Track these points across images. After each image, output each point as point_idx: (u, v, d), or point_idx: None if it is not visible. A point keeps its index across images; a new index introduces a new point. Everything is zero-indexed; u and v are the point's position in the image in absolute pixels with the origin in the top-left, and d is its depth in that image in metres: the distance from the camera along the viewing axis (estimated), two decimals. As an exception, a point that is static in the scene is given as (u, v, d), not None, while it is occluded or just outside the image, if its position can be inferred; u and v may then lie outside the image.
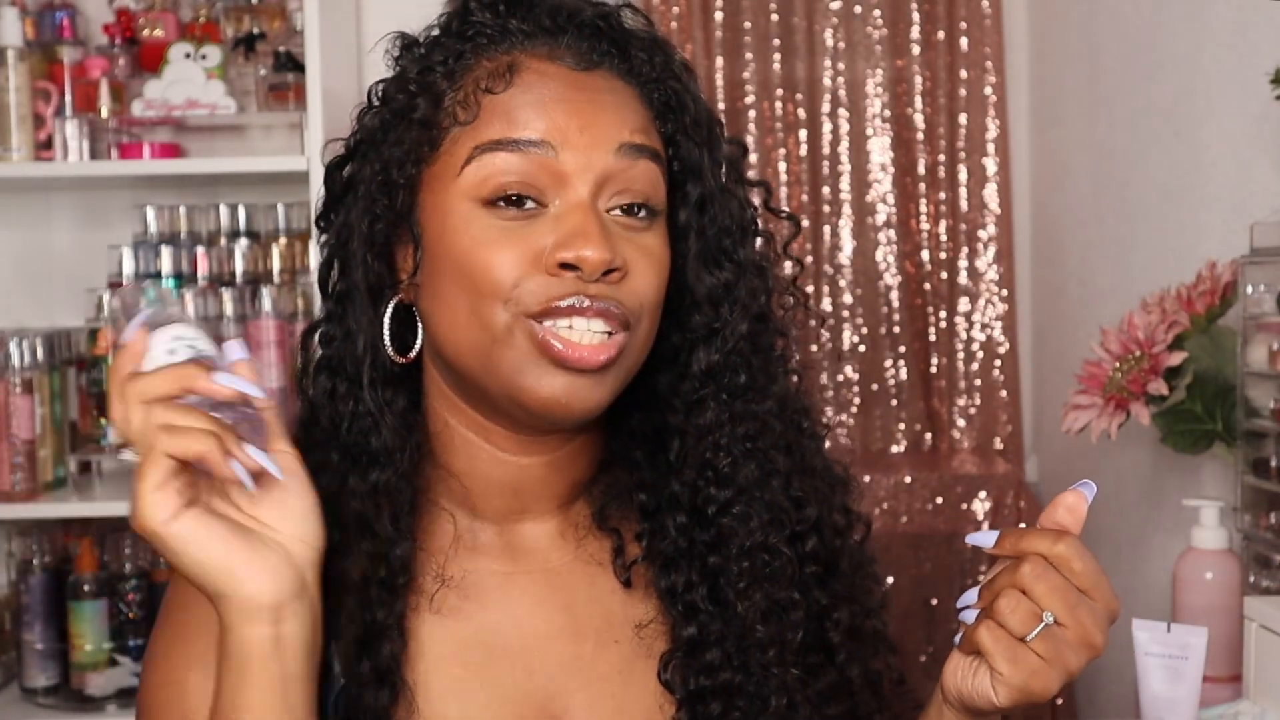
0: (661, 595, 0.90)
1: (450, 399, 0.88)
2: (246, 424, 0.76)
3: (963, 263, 2.81)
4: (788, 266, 0.95)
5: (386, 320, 0.86)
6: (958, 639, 0.81)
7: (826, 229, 2.81)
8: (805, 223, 2.75)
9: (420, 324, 0.88)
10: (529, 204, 0.82)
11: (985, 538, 0.80)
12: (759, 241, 0.93)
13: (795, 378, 0.95)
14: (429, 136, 0.84)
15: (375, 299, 0.86)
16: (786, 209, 1.09)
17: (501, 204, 0.82)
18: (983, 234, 2.80)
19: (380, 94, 0.88)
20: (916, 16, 2.81)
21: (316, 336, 0.91)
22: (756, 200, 0.94)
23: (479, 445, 0.88)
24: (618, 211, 0.84)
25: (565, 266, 0.81)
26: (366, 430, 0.86)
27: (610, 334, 0.82)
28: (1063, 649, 0.76)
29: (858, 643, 0.94)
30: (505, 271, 0.81)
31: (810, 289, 2.75)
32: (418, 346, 0.88)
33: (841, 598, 0.94)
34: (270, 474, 0.76)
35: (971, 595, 0.80)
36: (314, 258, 2.14)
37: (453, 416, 0.88)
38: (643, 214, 0.84)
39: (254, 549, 0.76)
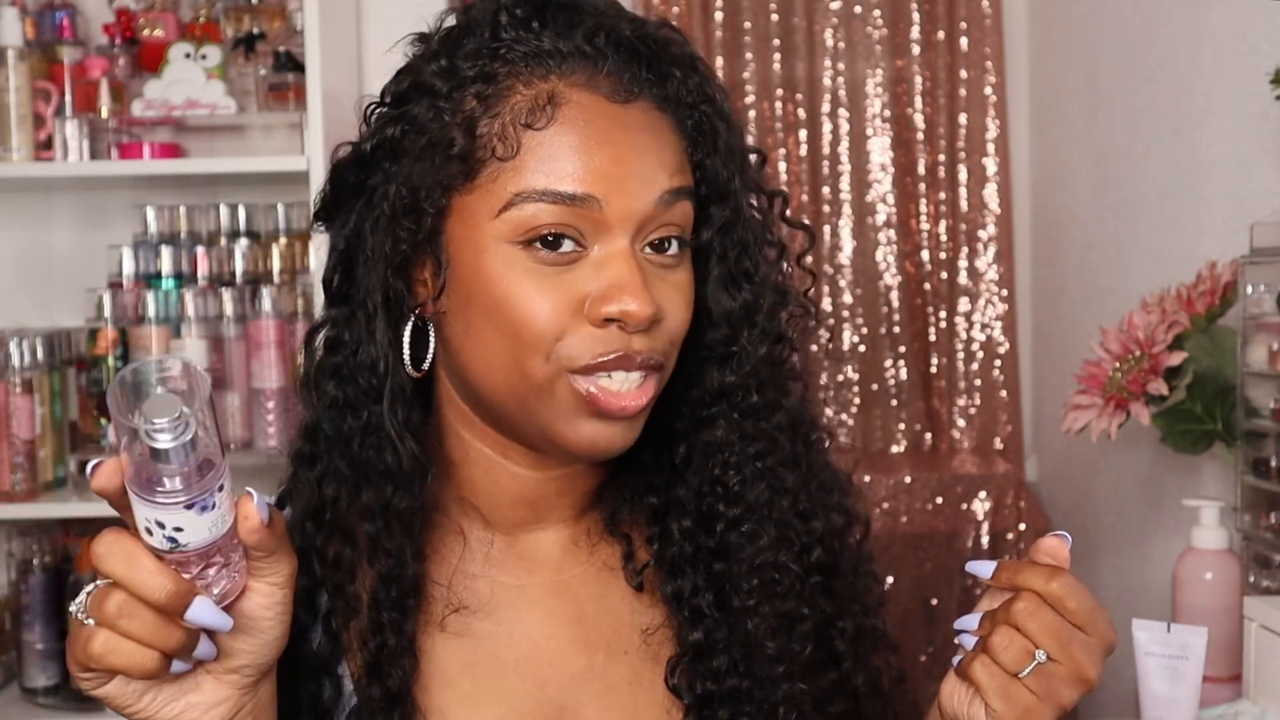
0: (668, 600, 0.90)
1: (465, 415, 0.87)
2: (228, 570, 0.69)
3: (963, 263, 2.81)
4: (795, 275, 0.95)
5: (406, 338, 0.84)
6: (956, 660, 0.81)
7: (826, 229, 2.81)
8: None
9: (434, 339, 0.86)
10: (567, 243, 0.80)
11: (983, 568, 0.80)
12: (774, 253, 0.92)
13: (802, 384, 0.95)
14: (465, 168, 0.81)
15: (393, 317, 0.84)
16: (805, 219, 1.09)
17: (538, 244, 0.80)
18: (983, 234, 2.80)
19: (398, 96, 0.85)
20: (916, 16, 2.81)
21: (320, 339, 0.88)
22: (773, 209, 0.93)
23: (495, 460, 0.87)
24: (649, 250, 0.82)
25: (609, 320, 0.80)
26: (380, 447, 0.84)
27: (645, 377, 0.82)
28: (1055, 685, 0.76)
29: (860, 644, 0.94)
30: (547, 324, 0.79)
31: (810, 290, 2.75)
32: (429, 359, 0.86)
33: (845, 602, 0.93)
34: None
35: (972, 621, 0.80)
36: (314, 258, 2.14)
37: (467, 431, 0.87)
38: (673, 248, 0.83)
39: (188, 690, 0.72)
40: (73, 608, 0.68)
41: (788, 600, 0.88)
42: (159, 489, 0.63)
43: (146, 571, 0.66)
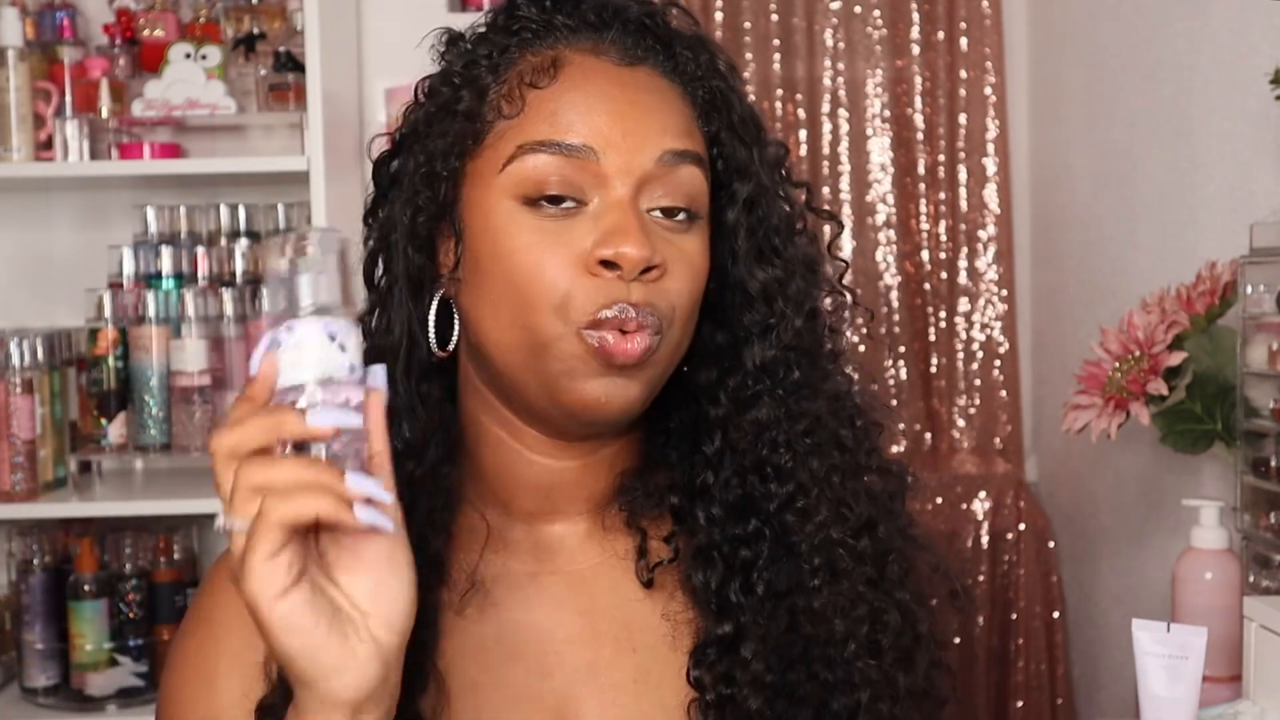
0: (696, 592, 0.89)
1: (484, 396, 0.88)
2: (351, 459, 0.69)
3: (963, 263, 2.81)
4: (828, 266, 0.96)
5: (432, 314, 0.86)
6: None
7: (827, 229, 2.81)
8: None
9: (458, 318, 0.87)
10: (568, 202, 0.82)
11: None
12: (806, 240, 0.93)
13: (854, 374, 0.95)
14: (473, 129, 0.84)
15: (416, 292, 0.86)
16: (828, 209, 1.10)
17: (542, 202, 0.82)
18: (983, 234, 2.79)
19: (426, 89, 0.89)
20: (916, 17, 2.81)
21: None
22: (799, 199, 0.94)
23: (511, 445, 0.88)
24: (658, 213, 0.83)
25: (605, 265, 0.80)
26: (399, 422, 0.84)
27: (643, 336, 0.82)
28: None
29: (906, 647, 0.92)
30: (551, 278, 0.80)
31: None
32: (454, 340, 0.88)
33: (894, 601, 0.92)
34: (381, 528, 0.68)
35: None
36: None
37: (485, 415, 0.88)
38: (682, 217, 0.84)
39: (346, 641, 0.69)
40: (219, 524, 0.68)
41: (850, 579, 0.88)
42: (296, 307, 0.69)
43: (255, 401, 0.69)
